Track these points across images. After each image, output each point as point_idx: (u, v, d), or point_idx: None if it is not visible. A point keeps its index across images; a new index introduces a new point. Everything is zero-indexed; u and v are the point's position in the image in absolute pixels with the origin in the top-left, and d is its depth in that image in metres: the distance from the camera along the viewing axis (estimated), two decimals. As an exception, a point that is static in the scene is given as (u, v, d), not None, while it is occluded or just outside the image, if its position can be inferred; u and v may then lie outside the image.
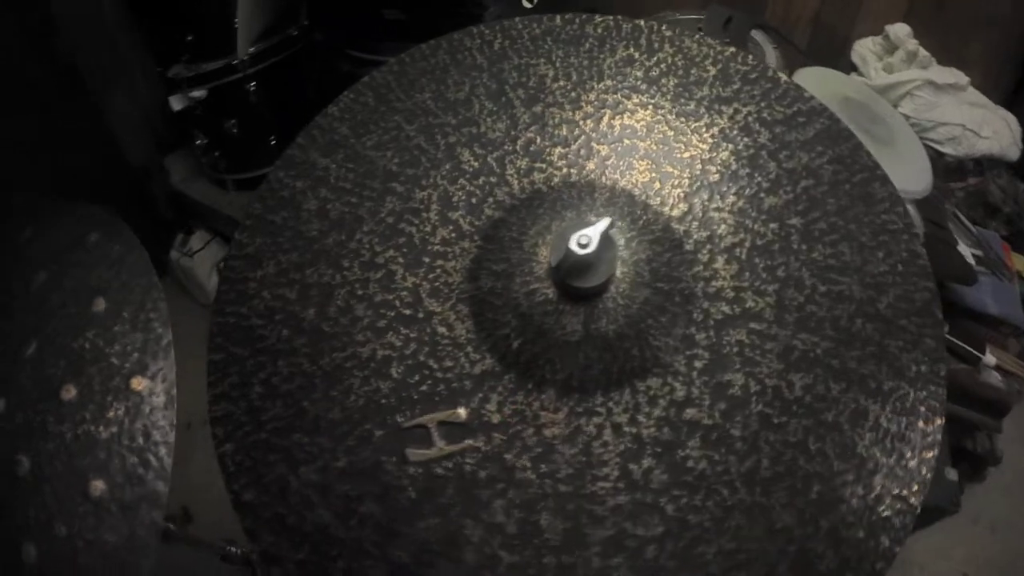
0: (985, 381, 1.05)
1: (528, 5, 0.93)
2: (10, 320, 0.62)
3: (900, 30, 1.14)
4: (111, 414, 0.56)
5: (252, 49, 1.39)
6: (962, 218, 1.12)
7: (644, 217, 0.48)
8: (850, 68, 1.19)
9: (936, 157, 1.11)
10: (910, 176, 1.01)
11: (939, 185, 1.16)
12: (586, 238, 0.41)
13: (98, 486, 0.54)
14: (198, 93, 1.40)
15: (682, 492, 0.44)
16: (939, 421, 0.48)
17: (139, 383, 0.58)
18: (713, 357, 0.46)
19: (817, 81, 1.06)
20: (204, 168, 1.67)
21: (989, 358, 1.05)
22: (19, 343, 0.61)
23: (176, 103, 1.44)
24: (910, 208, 1.03)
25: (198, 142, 1.55)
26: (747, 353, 0.47)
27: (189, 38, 1.36)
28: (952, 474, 1.01)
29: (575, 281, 0.44)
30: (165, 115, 1.59)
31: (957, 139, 1.11)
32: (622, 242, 0.47)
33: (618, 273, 0.46)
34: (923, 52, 1.12)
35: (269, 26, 1.41)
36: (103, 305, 0.61)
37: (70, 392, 0.57)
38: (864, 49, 1.15)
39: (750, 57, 0.61)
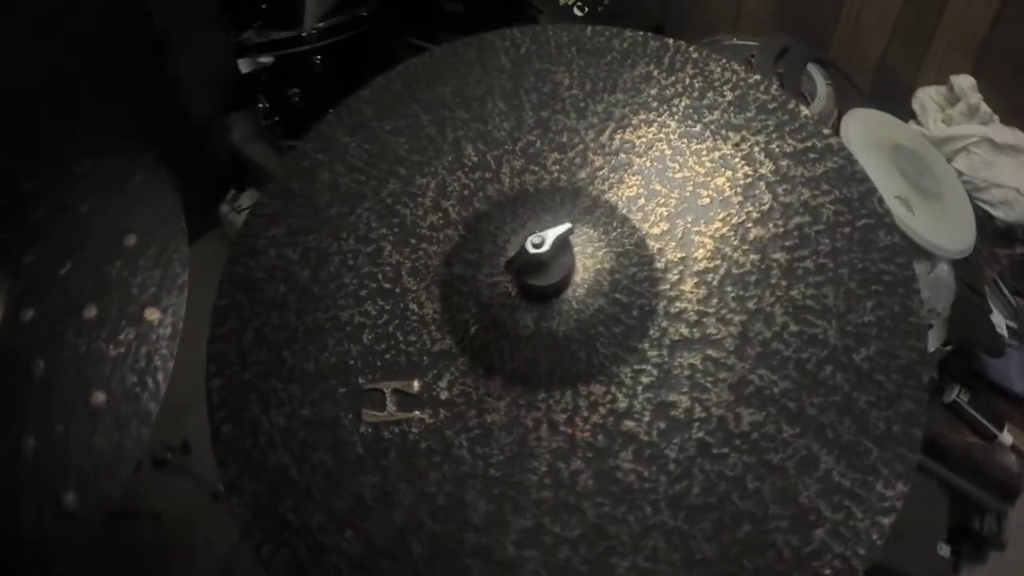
0: (999, 460, 0.98)
1: (579, 14, 0.95)
2: (52, 239, 0.70)
3: (964, 82, 1.06)
4: (122, 336, 0.62)
5: (321, 24, 1.42)
6: (1002, 286, 1.06)
7: (618, 230, 0.48)
8: (910, 116, 1.14)
9: (985, 219, 1.05)
10: (951, 234, 0.97)
11: (983, 249, 1.09)
12: (540, 238, 0.41)
13: (99, 397, 0.60)
14: (265, 59, 1.46)
15: (605, 500, 0.43)
16: (902, 487, 0.45)
17: (152, 313, 0.63)
18: (661, 376, 0.45)
19: (869, 123, 1.03)
20: (263, 131, 1.75)
21: (1006, 437, 0.99)
22: (55, 261, 0.67)
23: (244, 66, 1.49)
24: (944, 267, 0.99)
25: (260, 106, 1.60)
26: (697, 378, 0.45)
27: (263, 6, 1.42)
28: (945, 550, 0.96)
29: (528, 278, 0.44)
30: (232, 76, 1.68)
31: (1010, 203, 1.03)
32: (589, 250, 0.47)
33: (577, 279, 0.46)
34: (985, 107, 1.06)
35: (339, 4, 1.45)
36: (133, 241, 0.67)
37: (91, 312, 0.63)
38: (926, 97, 1.09)
39: (774, 88, 0.58)
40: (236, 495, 0.50)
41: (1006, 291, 1.07)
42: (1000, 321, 1.04)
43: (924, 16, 1.16)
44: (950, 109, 1.09)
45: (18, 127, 1.45)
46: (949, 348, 1.01)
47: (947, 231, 0.97)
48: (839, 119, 1.00)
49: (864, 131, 1.00)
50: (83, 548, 0.61)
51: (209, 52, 1.70)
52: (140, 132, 0.81)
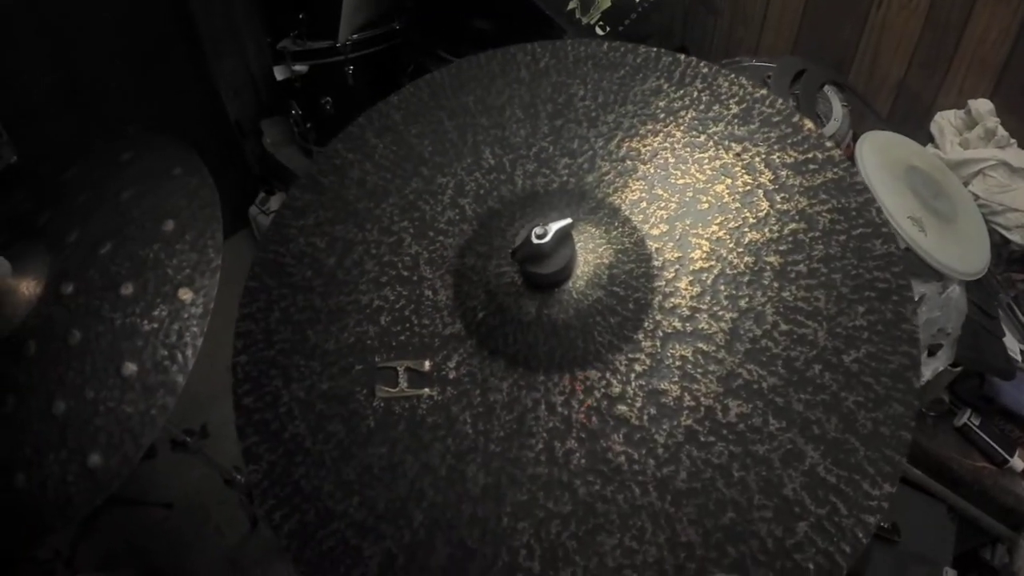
0: (1007, 486, 1.00)
1: (601, 33, 1.00)
2: (95, 220, 0.76)
3: (982, 106, 1.08)
4: (156, 312, 0.68)
5: (355, 36, 1.49)
6: (1017, 311, 1.07)
7: (619, 229, 0.52)
8: (928, 139, 1.16)
9: (1001, 243, 1.06)
10: (964, 256, 0.98)
11: (999, 273, 1.11)
12: (543, 230, 0.45)
13: (130, 367, 0.66)
14: (300, 67, 1.53)
15: (596, 479, 0.47)
16: (889, 488, 0.46)
17: (185, 293, 0.69)
18: (653, 364, 0.48)
19: (884, 145, 1.05)
20: (295, 136, 1.82)
21: (1017, 462, 0.99)
22: (97, 241, 0.74)
23: (279, 73, 1.57)
24: (955, 288, 1.01)
25: (293, 112, 1.69)
26: (688, 369, 0.48)
27: (301, 16, 1.49)
28: (951, 574, 0.97)
29: (531, 266, 0.48)
30: (268, 82, 1.76)
31: (1026, 228, 1.06)
32: (591, 246, 0.51)
33: (578, 271, 0.50)
34: (1002, 131, 1.07)
35: (373, 18, 1.52)
36: (172, 226, 0.73)
37: (128, 289, 0.69)
38: (944, 121, 1.11)
39: (780, 102, 0.60)
40: (253, 462, 0.55)
41: (1021, 316, 1.08)
42: (1013, 345, 1.05)
43: (943, 40, 1.18)
44: (967, 132, 1.11)
45: (64, 121, 1.55)
46: (959, 369, 1.02)
47: (960, 253, 0.98)
48: (855, 141, 1.03)
49: (878, 152, 1.03)
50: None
51: (247, 59, 1.79)
52: (179, 132, 0.88)
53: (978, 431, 1.04)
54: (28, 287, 0.75)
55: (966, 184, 1.09)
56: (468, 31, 1.26)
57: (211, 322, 0.68)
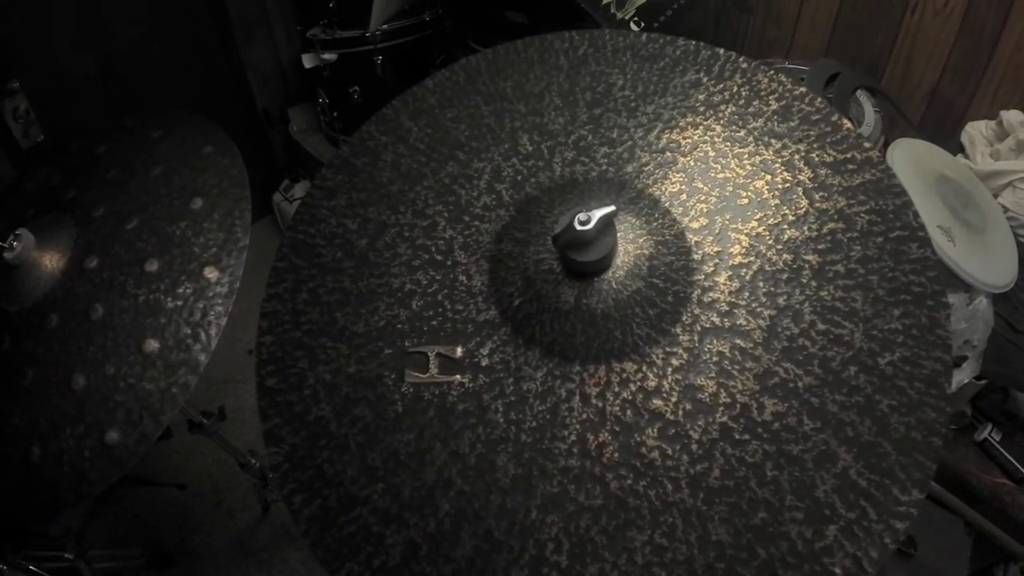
0: (1026, 503, 0.98)
1: (635, 28, 0.98)
2: (123, 196, 0.76)
3: (1014, 117, 1.05)
4: (180, 290, 0.67)
5: (385, 26, 1.49)
6: (1044, 326, 1.05)
7: (659, 221, 0.51)
8: (958, 149, 1.15)
9: None
10: (992, 268, 0.97)
11: None
12: (586, 216, 0.44)
13: (152, 344, 0.65)
14: (329, 56, 1.54)
15: (628, 474, 0.46)
16: (918, 494, 0.45)
17: (211, 272, 0.68)
18: (690, 359, 0.48)
19: (915, 153, 1.04)
20: (321, 125, 1.82)
21: None
22: (124, 216, 0.73)
23: (308, 61, 1.58)
24: (983, 300, 0.99)
25: (320, 100, 1.69)
26: (725, 365, 0.48)
27: (331, 4, 1.48)
28: (964, 590, 0.95)
29: (572, 253, 0.47)
30: (296, 70, 1.76)
31: (1056, 242, 1.04)
32: (631, 236, 0.50)
33: (618, 261, 0.49)
34: None
35: (404, 8, 1.52)
36: (200, 204, 0.73)
37: (153, 265, 0.69)
38: (975, 131, 1.10)
39: (818, 101, 0.60)
40: (275, 445, 0.53)
41: (1047, 331, 1.05)
42: (1039, 361, 1.02)
43: (977, 49, 1.17)
44: (998, 144, 1.09)
45: (93, 104, 1.55)
46: (983, 382, 1.00)
47: (988, 265, 0.97)
48: (886, 147, 1.01)
49: (910, 159, 1.01)
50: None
51: (276, 46, 1.79)
52: (206, 117, 0.87)
53: (998, 447, 1.02)
54: (52, 260, 0.74)
55: (995, 196, 1.07)
56: (500, 23, 1.25)
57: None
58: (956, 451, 1.05)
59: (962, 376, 0.96)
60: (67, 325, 0.71)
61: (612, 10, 1.02)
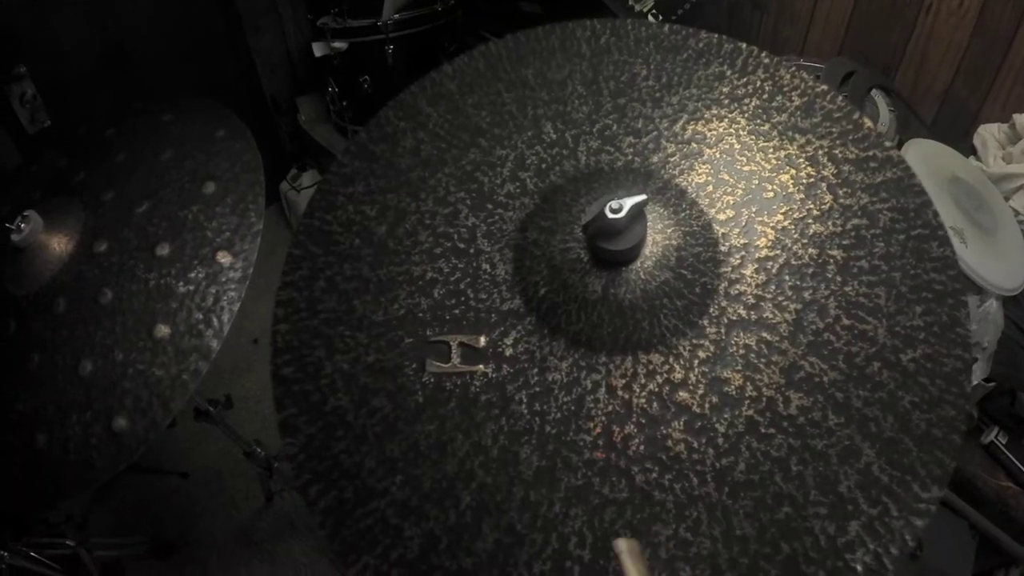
0: (1031, 507, 0.98)
1: (652, 20, 0.97)
2: (133, 179, 0.74)
3: None
4: (193, 275, 0.66)
5: (397, 15, 1.48)
6: (1054, 329, 1.05)
7: (687, 211, 0.50)
8: (970, 151, 1.14)
9: None
10: (1004, 270, 0.97)
11: None
12: (618, 204, 0.43)
13: (163, 329, 0.64)
14: (339, 45, 1.51)
15: (654, 467, 0.45)
16: (938, 491, 0.45)
17: (224, 256, 0.67)
18: (717, 352, 0.47)
19: (928, 154, 1.03)
20: (330, 115, 1.81)
21: None
22: (134, 200, 0.72)
23: (318, 50, 1.55)
24: (993, 302, 0.98)
25: (330, 90, 1.67)
26: (751, 358, 0.47)
27: None
28: (966, 592, 0.95)
29: (602, 242, 0.46)
30: (305, 59, 1.75)
31: (1068, 247, 1.03)
32: (659, 226, 0.49)
33: (646, 251, 0.48)
34: None
35: (416, -2, 1.53)
36: (212, 188, 0.71)
37: (164, 249, 0.67)
38: (987, 134, 1.09)
39: (840, 98, 0.61)
40: (290, 435, 0.52)
41: (1056, 334, 1.05)
42: (1047, 363, 1.02)
43: (991, 50, 1.16)
44: (1011, 147, 1.09)
45: (100, 90, 1.53)
46: (992, 385, 1.00)
47: (999, 267, 0.97)
48: (899, 147, 1.01)
49: (922, 160, 1.01)
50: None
51: (285, 34, 1.77)
52: (216, 99, 0.85)
53: (1004, 450, 1.02)
54: (60, 243, 0.73)
55: (1007, 199, 1.07)
56: (514, 13, 1.24)
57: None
58: (962, 454, 1.04)
59: (971, 378, 0.96)
60: (75, 309, 0.69)
61: (630, 2, 1.01)
